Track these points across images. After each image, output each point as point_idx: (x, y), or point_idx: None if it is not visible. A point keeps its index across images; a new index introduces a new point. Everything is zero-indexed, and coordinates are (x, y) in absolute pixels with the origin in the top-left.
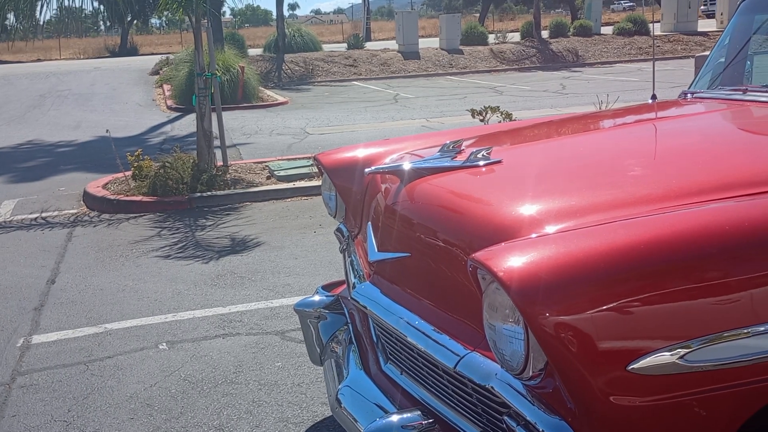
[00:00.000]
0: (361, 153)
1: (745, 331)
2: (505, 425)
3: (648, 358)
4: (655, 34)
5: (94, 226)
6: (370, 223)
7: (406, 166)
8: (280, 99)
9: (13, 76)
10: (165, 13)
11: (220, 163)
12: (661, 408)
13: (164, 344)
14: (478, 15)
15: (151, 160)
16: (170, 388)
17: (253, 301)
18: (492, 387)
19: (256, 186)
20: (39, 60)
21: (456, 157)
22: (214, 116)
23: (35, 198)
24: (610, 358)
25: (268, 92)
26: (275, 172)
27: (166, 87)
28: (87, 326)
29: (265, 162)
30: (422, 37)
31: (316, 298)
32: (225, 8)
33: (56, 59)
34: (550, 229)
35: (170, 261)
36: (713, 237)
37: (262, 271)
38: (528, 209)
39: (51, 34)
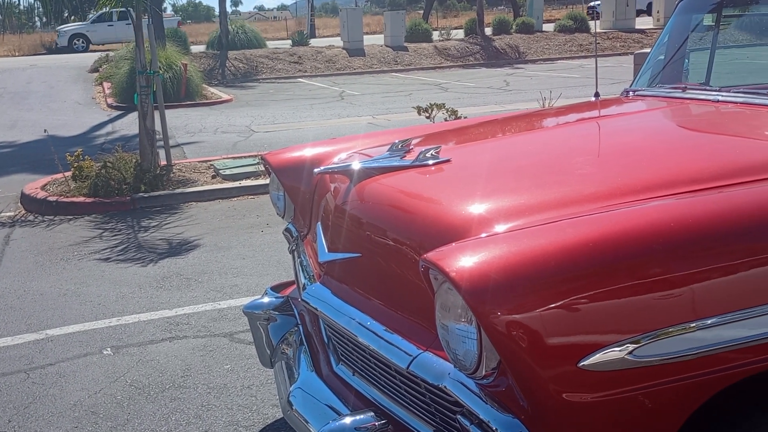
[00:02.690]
0: (309, 152)
1: (692, 325)
2: (458, 424)
3: (598, 355)
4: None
5: (33, 228)
6: (319, 223)
7: (356, 165)
8: (225, 96)
9: None
10: (104, 8)
11: (163, 162)
12: (611, 403)
13: (109, 349)
14: (422, 12)
15: (92, 160)
16: (116, 395)
17: (201, 302)
18: (445, 386)
19: (201, 185)
20: None
21: (405, 156)
22: (156, 115)
23: None
24: (561, 355)
25: (212, 90)
26: (220, 171)
27: (106, 85)
28: (27, 333)
29: (210, 161)
30: (367, 34)
31: (266, 299)
32: (166, 4)
33: None
34: (500, 228)
35: (113, 263)
36: (658, 234)
37: (208, 272)
38: (478, 208)
39: None
